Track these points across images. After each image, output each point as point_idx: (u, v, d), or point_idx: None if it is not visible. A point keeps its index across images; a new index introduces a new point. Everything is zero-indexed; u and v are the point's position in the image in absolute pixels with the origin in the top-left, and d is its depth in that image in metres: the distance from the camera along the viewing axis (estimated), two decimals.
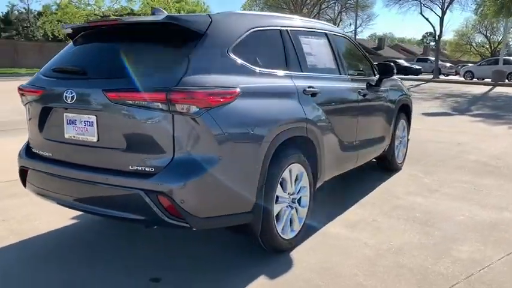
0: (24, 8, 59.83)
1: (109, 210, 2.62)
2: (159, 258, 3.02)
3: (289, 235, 3.14)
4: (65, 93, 2.65)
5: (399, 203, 4.20)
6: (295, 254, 3.11)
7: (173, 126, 2.40)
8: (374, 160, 5.06)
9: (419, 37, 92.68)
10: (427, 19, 35.32)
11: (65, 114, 2.75)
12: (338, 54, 4.05)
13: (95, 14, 34.92)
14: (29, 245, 3.21)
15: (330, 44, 3.98)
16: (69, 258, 3.01)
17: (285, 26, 3.41)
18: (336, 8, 49.39)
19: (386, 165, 5.29)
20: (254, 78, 2.85)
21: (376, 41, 66.94)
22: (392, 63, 4.69)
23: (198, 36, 2.63)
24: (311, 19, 4.96)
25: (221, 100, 2.52)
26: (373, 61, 4.87)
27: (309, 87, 3.34)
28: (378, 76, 4.68)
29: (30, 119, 3.00)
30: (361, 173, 5.20)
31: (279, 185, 2.97)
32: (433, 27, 36.23)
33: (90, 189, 2.65)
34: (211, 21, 2.75)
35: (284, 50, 3.28)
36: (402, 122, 5.43)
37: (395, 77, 5.09)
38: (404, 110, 5.49)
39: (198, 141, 2.45)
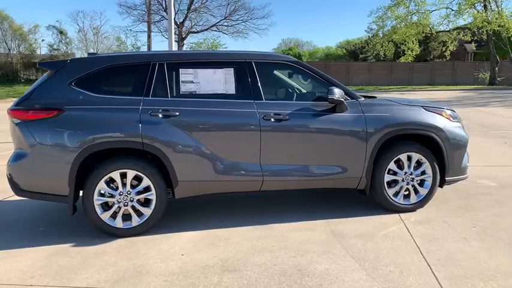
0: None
1: None
2: (50, 219, 4.58)
3: (121, 225, 4.02)
4: None
5: (284, 236, 3.97)
6: (115, 240, 3.96)
7: (14, 130, 3.98)
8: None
9: None
10: None
11: None
12: (248, 82, 4.25)
13: (422, 32, 35.50)
14: None
15: (236, 73, 4.27)
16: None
17: (161, 61, 4.19)
18: None
19: (378, 203, 4.61)
20: (90, 101, 3.97)
21: None
22: (334, 89, 4.22)
23: (50, 74, 4.06)
24: (222, 51, 5.04)
25: (40, 116, 3.87)
26: None
27: (164, 110, 4.03)
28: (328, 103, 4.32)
29: None
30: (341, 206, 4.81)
31: (103, 183, 3.95)
32: None
33: None
34: (66, 63, 4.10)
35: (146, 80, 4.11)
36: (411, 156, 4.50)
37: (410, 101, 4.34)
38: (423, 142, 4.57)
39: (19, 141, 3.93)
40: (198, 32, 35.31)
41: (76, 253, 3.70)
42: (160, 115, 4.02)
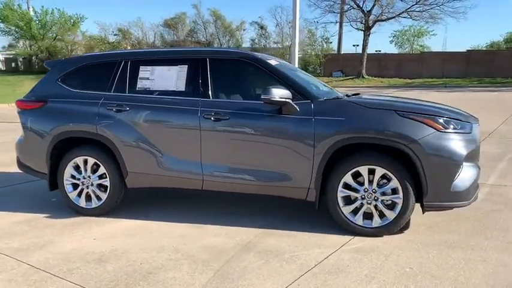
0: None
1: None
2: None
3: (84, 205, 4.57)
4: None
5: (200, 238, 3.85)
6: (75, 217, 4.53)
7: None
8: None
9: None
10: None
11: None
12: (198, 79, 4.23)
13: None
14: None
15: (189, 70, 4.28)
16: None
17: (126, 58, 4.52)
18: None
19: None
20: (67, 95, 4.60)
21: None
22: (270, 88, 3.76)
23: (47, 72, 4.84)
24: (183, 48, 4.66)
25: (32, 106, 4.70)
26: None
27: (117, 105, 4.39)
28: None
29: None
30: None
31: (71, 166, 4.55)
32: None
33: None
34: (57, 62, 4.81)
35: (111, 77, 4.51)
36: (374, 171, 3.73)
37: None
38: (397, 156, 3.74)
39: (22, 127, 4.81)
40: (385, 20, 33.57)
41: (36, 223, 4.38)
42: (114, 109, 4.37)
